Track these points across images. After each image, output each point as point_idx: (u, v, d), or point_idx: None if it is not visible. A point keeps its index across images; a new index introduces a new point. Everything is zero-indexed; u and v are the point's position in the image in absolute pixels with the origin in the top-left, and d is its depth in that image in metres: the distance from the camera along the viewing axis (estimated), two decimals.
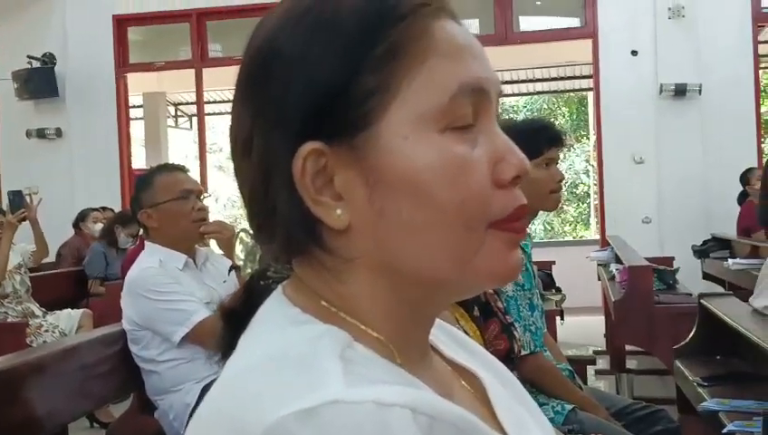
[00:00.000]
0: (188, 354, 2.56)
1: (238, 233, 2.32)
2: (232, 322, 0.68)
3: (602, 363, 5.71)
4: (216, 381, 0.60)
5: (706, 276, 6.22)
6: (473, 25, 8.54)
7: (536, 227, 14.45)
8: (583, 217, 14.64)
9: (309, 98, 0.59)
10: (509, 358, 1.76)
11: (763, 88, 14.01)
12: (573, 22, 7.81)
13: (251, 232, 0.67)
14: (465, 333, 1.29)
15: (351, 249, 0.61)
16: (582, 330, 6.68)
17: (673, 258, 6.04)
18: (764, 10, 7.24)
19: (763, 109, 14.33)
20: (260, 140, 0.62)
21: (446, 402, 0.56)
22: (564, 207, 15.03)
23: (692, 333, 2.72)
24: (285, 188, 0.60)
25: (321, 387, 0.52)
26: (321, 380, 0.52)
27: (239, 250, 2.42)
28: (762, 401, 2.09)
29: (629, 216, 7.11)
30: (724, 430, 1.95)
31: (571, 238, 13.86)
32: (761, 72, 13.24)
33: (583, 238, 13.01)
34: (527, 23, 8.20)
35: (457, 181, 0.59)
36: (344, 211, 0.60)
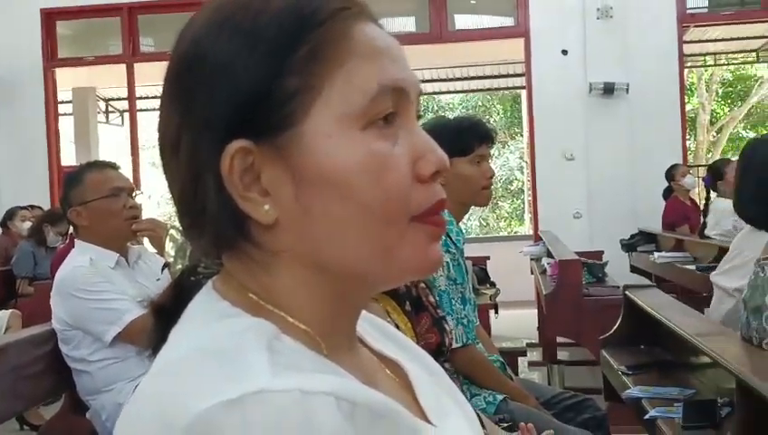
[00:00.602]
0: (121, 353, 2.53)
1: (169, 230, 2.30)
2: (162, 318, 0.69)
3: (535, 355, 5.85)
4: (144, 376, 0.61)
5: (634, 269, 6.42)
6: (408, 23, 8.61)
7: (472, 223, 14.65)
8: (518, 212, 14.89)
9: (233, 101, 0.61)
10: (440, 351, 1.80)
11: (688, 87, 14.51)
12: (506, 21, 7.95)
13: (181, 229, 0.69)
14: (397, 326, 1.32)
15: (279, 243, 0.63)
16: (516, 323, 6.82)
17: (602, 252, 6.22)
18: (689, 11, 7.50)
19: (688, 107, 14.86)
20: (188, 139, 0.63)
21: (368, 390, 0.58)
22: (499, 203, 15.27)
23: (617, 324, 2.81)
24: (214, 185, 0.62)
25: (247, 378, 0.53)
26: (246, 371, 0.54)
27: (169, 247, 2.41)
28: (682, 388, 2.19)
29: (561, 211, 7.28)
30: (647, 416, 2.03)
31: (506, 234, 14.09)
32: (686, 71, 13.72)
33: (517, 234, 13.25)
34: (462, 21, 8.30)
35: (379, 177, 0.62)
36: (271, 207, 0.62)
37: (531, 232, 8.58)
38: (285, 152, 0.61)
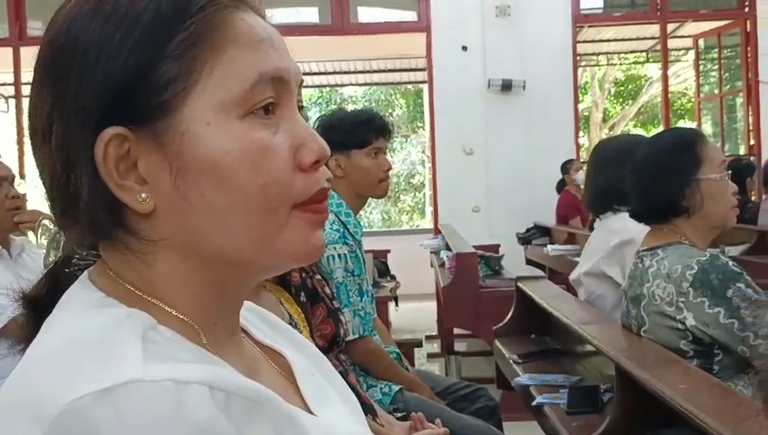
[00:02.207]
0: (3, 351, 2.42)
1: (41, 220, 2.21)
2: (36, 311, 0.67)
3: (435, 347, 5.96)
4: (15, 368, 0.59)
5: (529, 262, 6.61)
6: (311, 14, 8.56)
7: (374, 217, 14.74)
8: (419, 206, 15.08)
9: (107, 86, 0.60)
10: (335, 342, 1.80)
11: (582, 86, 15.04)
12: (409, 15, 8.02)
13: (53, 218, 0.67)
14: (290, 317, 1.32)
15: (157, 232, 0.62)
16: (416, 315, 6.92)
17: (499, 245, 6.39)
18: (583, 12, 7.77)
19: (582, 105, 15.39)
20: (60, 125, 0.61)
21: (243, 379, 0.58)
22: (401, 196, 15.42)
23: (509, 315, 2.90)
24: (88, 172, 0.61)
25: (119, 368, 0.53)
26: (118, 361, 0.53)
27: (42, 238, 2.32)
28: (568, 375, 2.27)
29: (460, 205, 7.42)
30: (534, 403, 2.10)
31: (408, 227, 14.24)
32: (580, 70, 14.21)
33: (419, 227, 13.40)
34: (365, 14, 8.33)
35: (259, 165, 0.61)
36: (148, 195, 0.61)
37: (432, 225, 8.71)
38: (163, 139, 0.61)
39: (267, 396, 0.58)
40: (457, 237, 4.98)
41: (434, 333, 6.23)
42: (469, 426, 2.30)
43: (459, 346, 5.45)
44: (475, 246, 5.72)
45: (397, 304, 6.11)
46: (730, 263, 1.75)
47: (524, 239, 6.72)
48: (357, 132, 2.48)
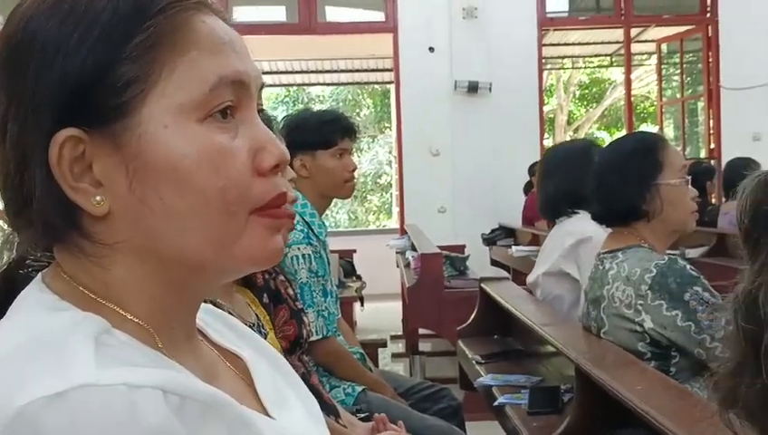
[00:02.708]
0: None
1: None
2: None
3: (400, 347, 5.97)
4: None
5: (494, 263, 6.66)
6: (279, 13, 8.52)
7: (341, 217, 14.72)
8: (386, 206, 15.09)
9: (64, 86, 0.59)
10: (298, 343, 1.80)
11: (547, 88, 15.17)
12: (377, 16, 8.03)
13: (7, 219, 0.66)
14: (258, 318, 1.32)
15: (112, 235, 0.62)
16: (382, 315, 6.93)
17: (464, 246, 6.42)
18: (549, 15, 7.84)
19: (547, 108, 15.53)
20: (15, 124, 0.61)
21: (197, 382, 0.58)
22: (368, 196, 15.42)
23: (473, 315, 2.91)
24: (42, 174, 0.60)
25: (72, 372, 0.52)
26: (71, 365, 0.53)
27: None
28: (530, 375, 2.30)
29: (427, 205, 7.45)
30: (495, 403, 2.12)
31: (375, 227, 14.25)
32: (545, 73, 14.33)
33: (386, 227, 13.42)
34: (332, 14, 8.32)
35: (217, 169, 0.61)
36: (104, 198, 0.61)
37: (398, 226, 8.73)
38: (120, 142, 0.60)
39: (221, 399, 0.58)
40: (423, 238, 5.00)
41: (399, 334, 6.24)
42: (431, 426, 2.31)
43: (424, 346, 5.46)
44: (440, 247, 5.74)
45: (362, 305, 6.10)
46: (688, 267, 1.78)
47: (489, 240, 6.77)
48: (322, 133, 2.48)
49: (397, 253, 6.12)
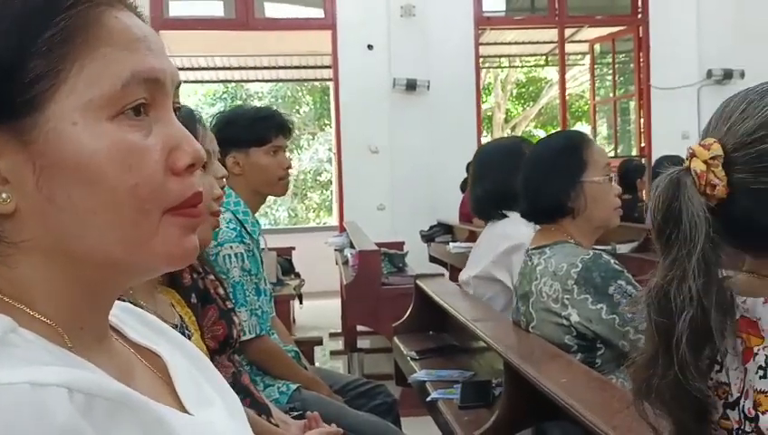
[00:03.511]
0: None
1: None
2: None
3: (340, 344, 5.97)
4: None
5: (432, 259, 6.70)
6: (216, 8, 8.42)
7: (280, 214, 14.63)
8: (327, 203, 15.05)
9: None
10: (227, 343, 1.79)
11: (486, 87, 15.34)
12: (316, 12, 8.00)
13: None
14: (182, 319, 1.31)
15: (19, 233, 0.61)
16: (321, 312, 6.92)
17: (403, 243, 6.45)
18: (485, 15, 7.93)
19: (485, 106, 15.71)
20: None
21: (105, 380, 0.58)
22: (308, 194, 15.36)
23: (408, 312, 2.93)
24: None
25: None
26: None
27: None
28: (463, 370, 2.33)
29: (366, 203, 7.46)
30: (428, 398, 2.14)
31: (315, 224, 14.20)
32: (484, 72, 14.48)
33: (327, 224, 13.38)
34: (272, 10, 8.25)
35: (129, 167, 0.61)
36: (10, 195, 0.60)
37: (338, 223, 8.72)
38: (27, 138, 0.59)
39: (131, 397, 0.58)
40: (361, 235, 5.01)
41: (339, 331, 6.23)
42: (366, 422, 2.32)
43: (363, 343, 5.47)
44: (379, 244, 5.75)
45: (301, 302, 6.08)
46: (612, 261, 1.83)
47: (428, 237, 6.81)
48: (256, 130, 2.46)
49: (335, 250, 6.12)
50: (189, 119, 1.30)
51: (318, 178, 15.03)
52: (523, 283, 2.00)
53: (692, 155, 1.03)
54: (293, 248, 6.56)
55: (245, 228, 2.40)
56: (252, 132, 2.44)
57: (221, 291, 1.88)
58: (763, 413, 0.95)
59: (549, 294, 1.86)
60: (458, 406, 2.01)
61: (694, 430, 1.02)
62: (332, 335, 6.28)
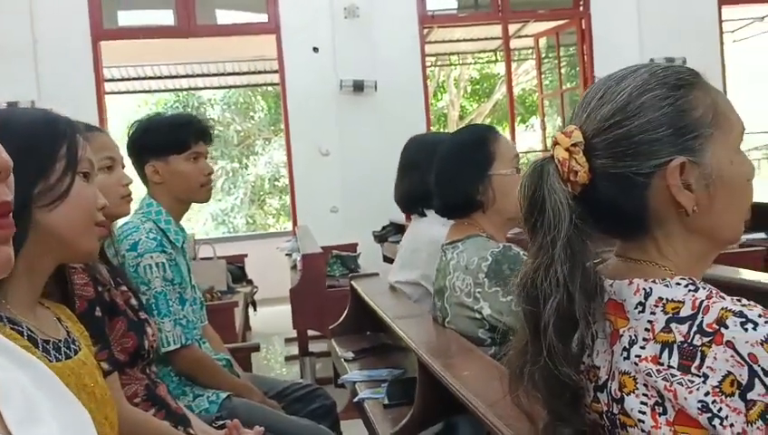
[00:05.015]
0: None
1: None
2: None
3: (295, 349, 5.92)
4: None
5: (386, 259, 6.70)
6: (167, 16, 8.32)
7: (238, 221, 14.53)
8: (285, 209, 14.98)
9: None
10: (139, 354, 1.76)
11: (440, 85, 15.41)
12: (260, 17, 7.95)
13: None
14: (68, 332, 1.28)
15: None
16: (276, 318, 6.87)
17: (357, 244, 6.44)
18: (430, 13, 7.94)
19: (441, 103, 15.76)
20: None
21: None
22: (266, 199, 15.27)
23: (345, 313, 2.92)
24: None
25: None
26: None
27: None
28: (392, 369, 2.32)
29: (318, 206, 7.42)
30: (355, 399, 2.13)
31: (274, 230, 14.11)
32: (437, 69, 14.53)
33: (285, 230, 13.30)
34: (219, 16, 8.18)
35: None
36: None
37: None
38: None
39: None
40: (308, 239, 4.99)
41: (294, 336, 6.20)
42: (298, 427, 2.30)
43: (320, 347, 5.45)
44: (333, 246, 5.74)
45: (255, 309, 6.04)
46: (521, 253, 1.83)
47: (381, 237, 6.79)
48: (175, 137, 2.43)
49: (286, 255, 6.09)
50: (69, 129, 1.27)
51: (276, 183, 14.95)
52: (438, 278, 2.00)
53: (555, 143, 1.04)
54: (246, 255, 6.52)
55: (168, 237, 2.37)
56: (170, 139, 2.41)
57: (133, 302, 1.85)
58: (627, 395, 0.95)
59: (461, 289, 1.86)
60: (383, 404, 2.00)
61: (567, 416, 1.02)
62: (288, 341, 6.25)
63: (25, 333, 1.14)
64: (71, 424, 0.77)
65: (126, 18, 7.75)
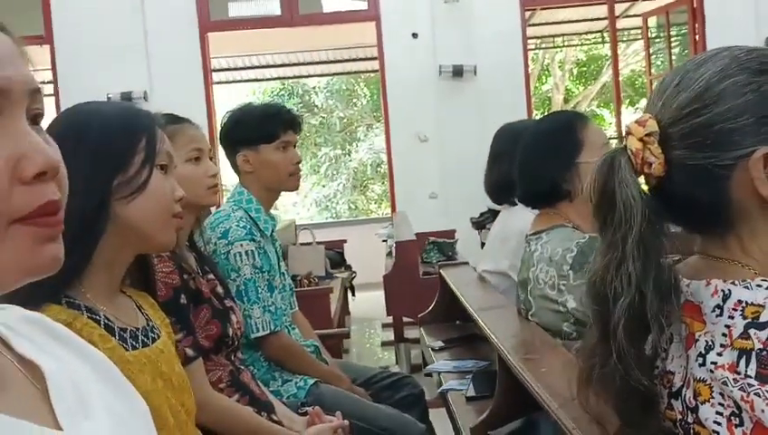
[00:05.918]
0: None
1: None
2: None
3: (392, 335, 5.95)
4: None
5: (483, 246, 6.62)
6: (274, 6, 8.49)
7: (341, 207, 14.72)
8: (387, 194, 15.06)
9: None
10: (223, 341, 1.80)
11: (544, 68, 15.07)
12: (361, 5, 7.99)
13: None
14: (147, 321, 1.31)
15: None
16: (375, 304, 6.92)
17: (455, 231, 6.40)
18: None
19: (545, 87, 15.42)
20: None
21: None
22: (369, 185, 15.39)
23: (434, 302, 2.90)
24: None
25: None
26: None
27: None
28: (478, 360, 2.29)
29: (417, 192, 7.42)
30: (439, 389, 2.11)
31: (377, 216, 14.20)
32: (541, 52, 14.22)
33: (387, 216, 13.36)
34: (320, 5, 8.28)
35: None
36: None
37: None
38: None
39: None
40: (404, 225, 4.99)
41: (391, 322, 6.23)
42: (385, 415, 2.30)
43: (414, 333, 5.46)
44: (431, 233, 5.72)
45: (353, 294, 6.10)
46: None
47: (478, 224, 6.71)
48: (264, 127, 2.47)
49: (383, 241, 6.12)
50: (149, 122, 1.30)
51: (378, 169, 15.03)
52: (522, 270, 1.94)
53: (628, 133, 0.98)
54: (345, 241, 6.59)
55: (258, 226, 2.41)
56: (260, 129, 2.45)
57: (219, 290, 1.90)
58: (702, 404, 0.89)
59: (545, 281, 1.81)
60: (466, 397, 1.97)
61: (639, 422, 0.97)
62: (385, 326, 6.29)
63: (102, 322, 1.18)
64: (127, 418, 0.78)
65: (236, 9, 7.96)
